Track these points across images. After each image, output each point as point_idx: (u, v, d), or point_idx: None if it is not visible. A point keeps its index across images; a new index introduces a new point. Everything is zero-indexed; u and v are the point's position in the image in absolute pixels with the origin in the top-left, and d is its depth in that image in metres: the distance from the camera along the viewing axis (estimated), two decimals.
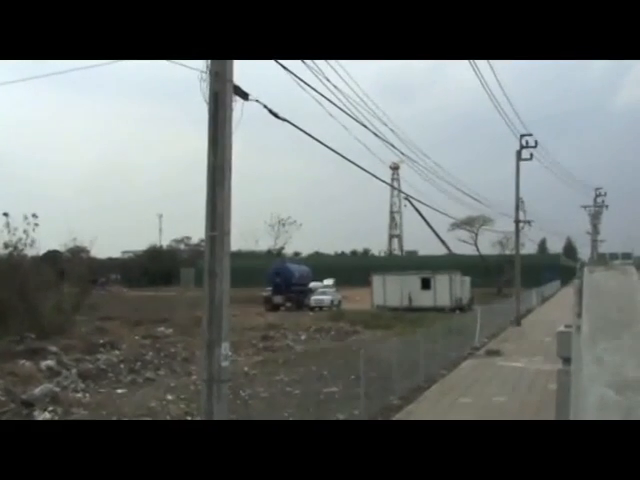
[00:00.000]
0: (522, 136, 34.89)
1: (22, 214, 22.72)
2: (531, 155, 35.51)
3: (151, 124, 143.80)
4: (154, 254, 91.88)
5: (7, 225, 22.60)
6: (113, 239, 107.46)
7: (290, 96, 14.45)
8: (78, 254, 29.30)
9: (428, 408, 13.42)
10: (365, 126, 14.31)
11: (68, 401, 13.44)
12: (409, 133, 20.98)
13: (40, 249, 25.39)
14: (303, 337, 27.34)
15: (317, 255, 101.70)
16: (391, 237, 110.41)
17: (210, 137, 8.12)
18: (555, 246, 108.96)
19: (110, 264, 75.05)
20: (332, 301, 46.90)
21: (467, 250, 74.85)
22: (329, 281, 53.97)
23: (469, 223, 69.00)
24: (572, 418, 3.67)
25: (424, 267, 51.43)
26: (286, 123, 9.62)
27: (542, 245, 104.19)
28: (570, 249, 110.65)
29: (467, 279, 47.14)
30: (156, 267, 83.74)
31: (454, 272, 44.99)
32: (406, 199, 65.58)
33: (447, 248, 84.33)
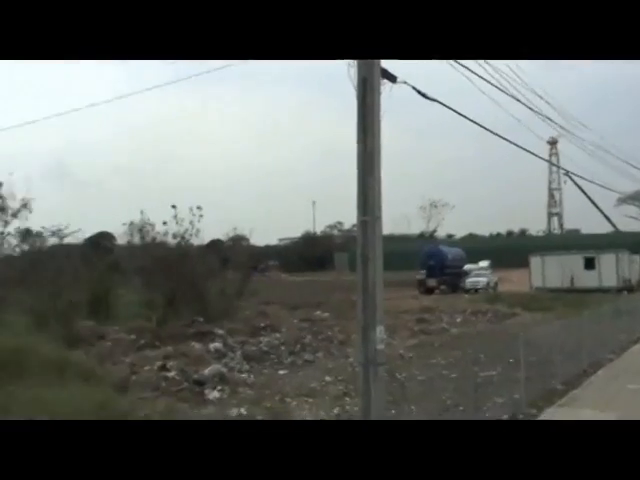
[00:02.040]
0: None
1: (188, 206, 24.28)
2: None
3: (302, 112, 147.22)
4: (309, 240, 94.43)
5: (175, 217, 24.28)
6: (270, 227, 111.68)
7: (434, 73, 14.15)
8: (238, 242, 30.84)
9: (594, 393, 12.77)
10: (518, 100, 13.74)
11: (234, 381, 14.24)
12: (564, 103, 19.68)
13: (204, 239, 27.04)
14: (459, 320, 26.92)
15: (471, 237, 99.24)
16: (550, 215, 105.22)
17: (359, 122, 8.18)
18: None
19: (268, 251, 78.23)
20: (488, 283, 45.78)
21: (636, 227, 69.85)
22: (484, 263, 52.64)
23: (638, 198, 64.29)
24: None
25: (586, 246, 48.75)
26: (435, 103, 9.49)
27: None
28: None
29: (637, 258, 44.10)
30: (311, 252, 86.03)
31: (621, 251, 42.17)
32: (566, 175, 62.21)
33: (612, 225, 79.17)
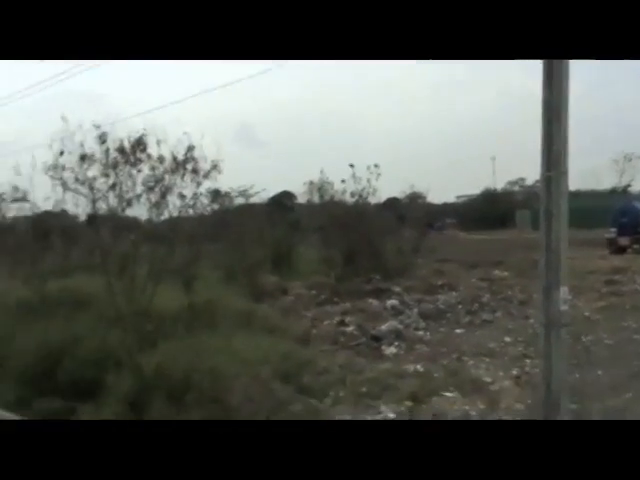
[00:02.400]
0: None
1: (365, 165, 24.57)
2: None
3: (480, 62, 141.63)
4: (489, 197, 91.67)
5: (353, 175, 24.70)
6: (448, 184, 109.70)
7: None
8: (415, 200, 30.75)
9: None
10: None
11: (411, 338, 14.36)
12: None
13: (381, 197, 27.28)
14: None
15: None
16: None
17: (545, 69, 7.71)
18: None
19: (446, 209, 77.17)
20: None
21: None
22: None
23: None
24: None
25: None
26: None
27: None
28: None
29: None
30: (491, 210, 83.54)
31: None
32: None
33: None
